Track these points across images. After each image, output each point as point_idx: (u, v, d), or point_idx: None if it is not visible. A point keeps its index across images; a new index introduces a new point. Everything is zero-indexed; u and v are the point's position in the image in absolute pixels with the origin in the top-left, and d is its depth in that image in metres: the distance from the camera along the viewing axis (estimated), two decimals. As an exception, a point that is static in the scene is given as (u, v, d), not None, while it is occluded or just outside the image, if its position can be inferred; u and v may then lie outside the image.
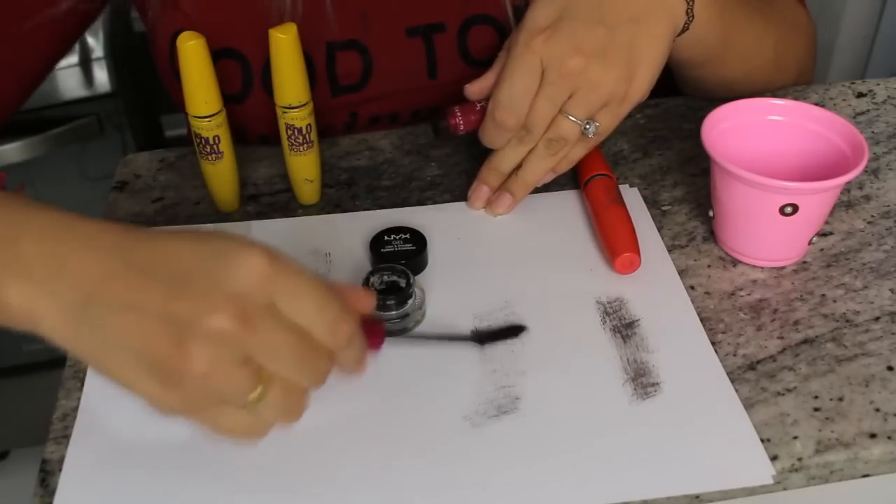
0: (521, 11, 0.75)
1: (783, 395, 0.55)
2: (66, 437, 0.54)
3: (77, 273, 0.43)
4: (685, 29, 0.66)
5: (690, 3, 0.65)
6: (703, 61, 0.72)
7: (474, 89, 0.66)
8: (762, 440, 0.52)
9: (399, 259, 0.62)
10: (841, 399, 0.54)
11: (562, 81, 0.61)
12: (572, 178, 0.71)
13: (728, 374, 0.56)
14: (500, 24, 0.75)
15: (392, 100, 0.77)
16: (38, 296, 0.44)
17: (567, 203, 0.69)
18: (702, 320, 0.59)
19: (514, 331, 0.59)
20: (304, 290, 0.44)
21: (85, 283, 0.43)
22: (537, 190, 0.70)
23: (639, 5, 0.63)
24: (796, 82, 0.81)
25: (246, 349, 0.43)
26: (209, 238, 0.45)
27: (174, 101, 0.80)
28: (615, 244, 0.62)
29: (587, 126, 0.63)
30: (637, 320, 0.59)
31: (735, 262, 0.64)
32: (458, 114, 0.66)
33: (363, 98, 0.76)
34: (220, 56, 0.72)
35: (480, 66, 0.76)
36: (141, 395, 0.44)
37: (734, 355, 0.57)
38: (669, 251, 0.65)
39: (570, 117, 0.63)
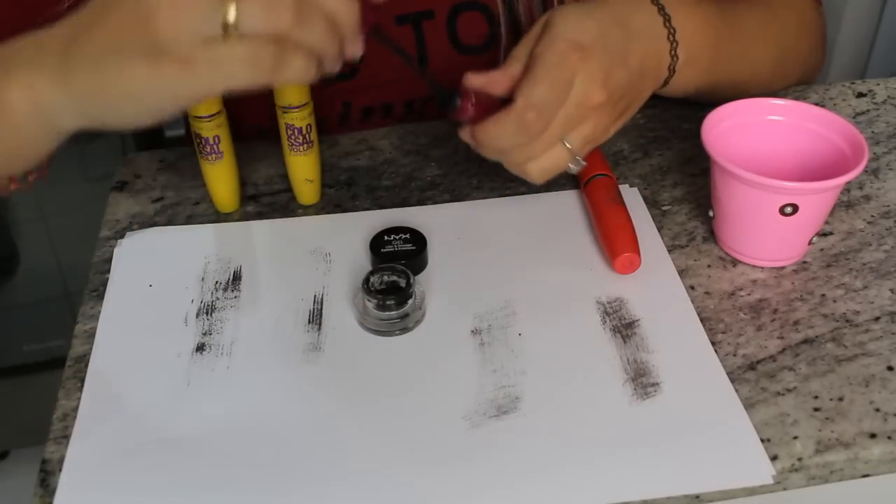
0: None
1: (783, 395, 0.55)
2: (66, 437, 0.54)
3: (48, 43, 0.51)
4: (665, 83, 0.65)
5: (674, 61, 0.64)
6: (687, 96, 0.71)
7: (480, 81, 0.60)
8: (762, 440, 0.52)
9: (399, 259, 0.62)
10: (841, 399, 0.54)
11: (579, 111, 0.59)
12: (572, 178, 0.71)
13: (728, 374, 0.56)
14: (488, 10, 0.76)
15: (384, 89, 0.78)
16: (33, 76, 0.50)
17: (567, 203, 0.69)
18: (702, 320, 0.59)
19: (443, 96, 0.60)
20: None
21: (58, 44, 0.50)
22: (537, 190, 0.71)
23: (647, 58, 0.62)
24: (800, 81, 0.80)
25: None
26: None
27: None
28: (615, 244, 0.62)
29: (573, 166, 0.61)
30: (637, 320, 0.59)
31: (735, 262, 0.64)
32: (473, 99, 0.60)
33: (355, 87, 0.76)
34: None
35: (470, 52, 0.76)
36: (140, 78, 0.47)
37: (734, 355, 0.57)
38: (669, 251, 0.65)
39: (567, 144, 0.60)
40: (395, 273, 0.60)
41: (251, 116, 0.76)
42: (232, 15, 0.45)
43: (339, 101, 0.77)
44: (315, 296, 0.62)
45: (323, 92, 0.75)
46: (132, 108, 0.49)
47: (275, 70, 0.46)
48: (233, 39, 0.45)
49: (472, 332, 0.59)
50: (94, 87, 0.49)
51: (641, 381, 0.56)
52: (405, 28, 0.75)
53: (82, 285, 0.64)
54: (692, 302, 0.61)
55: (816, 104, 0.65)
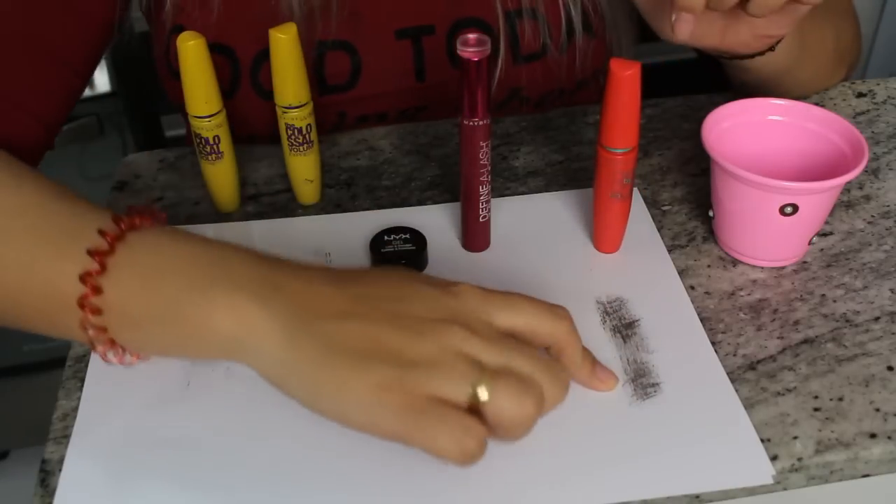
0: (511, 16, 0.74)
1: (783, 395, 0.55)
2: (66, 437, 0.54)
3: (293, 294, 0.46)
4: (771, 49, 0.65)
5: None
6: (786, 69, 0.70)
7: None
8: (762, 440, 0.52)
9: (399, 259, 0.62)
10: (841, 399, 0.54)
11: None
12: (571, 179, 0.71)
13: (728, 374, 0.56)
14: (490, 27, 0.75)
15: (379, 101, 0.77)
16: (254, 309, 0.45)
17: (567, 203, 0.69)
18: (702, 320, 0.59)
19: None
20: (518, 301, 0.49)
21: (302, 302, 0.46)
22: (538, 189, 0.71)
23: None
24: (850, 70, 0.80)
25: (472, 350, 0.45)
26: (407, 276, 0.49)
27: (172, 101, 0.80)
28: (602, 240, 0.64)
29: None
30: (637, 320, 0.59)
31: (735, 262, 0.64)
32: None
33: (351, 98, 0.76)
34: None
35: None
36: (360, 395, 0.44)
37: (734, 355, 0.57)
38: (669, 251, 0.65)
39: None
40: (395, 273, 0.60)
41: (241, 125, 0.76)
42: (484, 395, 0.44)
43: (333, 111, 0.77)
44: (315, 296, 0.62)
45: (318, 101, 0.75)
46: (329, 403, 0.45)
47: (469, 459, 0.44)
48: (463, 414, 0.44)
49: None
50: (314, 365, 0.44)
51: (641, 381, 0.56)
52: (404, 42, 0.75)
53: (82, 285, 0.64)
54: (692, 302, 0.61)
55: (816, 104, 0.65)
